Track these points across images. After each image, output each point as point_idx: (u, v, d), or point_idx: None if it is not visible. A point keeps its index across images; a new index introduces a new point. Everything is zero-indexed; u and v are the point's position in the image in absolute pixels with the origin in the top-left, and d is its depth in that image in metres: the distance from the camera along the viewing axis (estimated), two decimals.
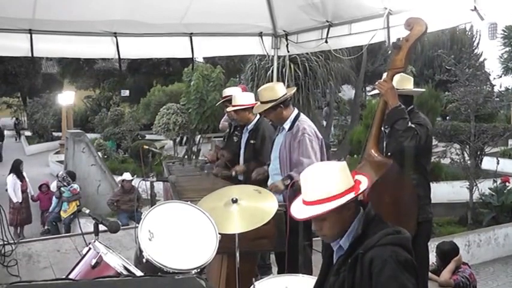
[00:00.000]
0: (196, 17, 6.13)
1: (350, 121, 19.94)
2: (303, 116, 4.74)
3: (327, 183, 2.36)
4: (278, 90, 4.63)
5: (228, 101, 5.66)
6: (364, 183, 2.44)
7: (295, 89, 5.58)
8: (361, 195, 2.42)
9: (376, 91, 4.23)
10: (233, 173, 5.29)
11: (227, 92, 6.09)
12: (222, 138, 6.73)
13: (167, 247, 3.01)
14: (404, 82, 4.21)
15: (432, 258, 5.80)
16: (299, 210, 2.44)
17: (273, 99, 4.56)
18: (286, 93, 4.66)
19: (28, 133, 32.01)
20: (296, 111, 4.73)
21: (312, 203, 2.37)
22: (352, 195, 2.35)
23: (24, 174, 11.75)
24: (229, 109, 5.56)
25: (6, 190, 11.32)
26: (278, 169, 4.62)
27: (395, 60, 3.86)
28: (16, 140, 32.02)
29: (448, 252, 5.98)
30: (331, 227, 2.41)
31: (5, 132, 27.76)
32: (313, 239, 4.54)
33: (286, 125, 4.63)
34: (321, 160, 4.52)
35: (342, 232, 2.43)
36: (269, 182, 4.73)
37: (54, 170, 18.55)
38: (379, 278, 2.20)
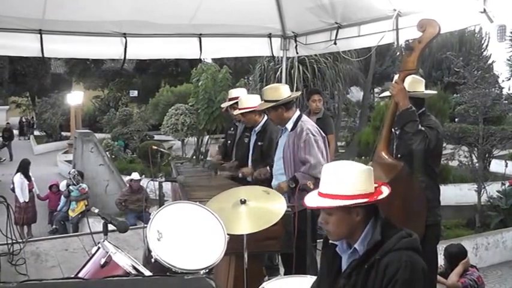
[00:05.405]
0: (205, 17, 6.14)
1: (358, 123, 19.93)
2: (305, 117, 4.78)
3: (344, 182, 2.37)
4: (282, 91, 4.67)
5: (235, 103, 5.67)
6: (384, 194, 2.43)
7: (300, 93, 5.59)
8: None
9: (386, 93, 4.23)
10: (240, 175, 5.33)
11: (233, 93, 6.08)
12: (223, 139, 6.69)
13: (175, 247, 3.01)
14: (415, 84, 4.17)
15: (440, 260, 5.76)
16: (311, 199, 2.47)
17: (276, 100, 4.59)
18: (290, 96, 4.69)
19: (36, 132, 32.14)
20: (298, 112, 4.76)
21: (325, 195, 2.40)
22: (362, 200, 2.34)
23: (30, 173, 11.77)
24: (236, 112, 5.57)
25: (11, 189, 11.33)
26: (282, 169, 4.66)
27: (407, 61, 3.83)
28: (24, 139, 32.12)
29: (456, 255, 5.94)
30: (336, 224, 2.41)
31: (14, 131, 27.88)
32: (318, 240, 4.54)
33: (289, 125, 4.67)
34: (326, 157, 4.56)
35: (346, 234, 2.43)
36: (273, 182, 4.77)
37: (63, 170, 18.64)
38: (394, 283, 2.21)
